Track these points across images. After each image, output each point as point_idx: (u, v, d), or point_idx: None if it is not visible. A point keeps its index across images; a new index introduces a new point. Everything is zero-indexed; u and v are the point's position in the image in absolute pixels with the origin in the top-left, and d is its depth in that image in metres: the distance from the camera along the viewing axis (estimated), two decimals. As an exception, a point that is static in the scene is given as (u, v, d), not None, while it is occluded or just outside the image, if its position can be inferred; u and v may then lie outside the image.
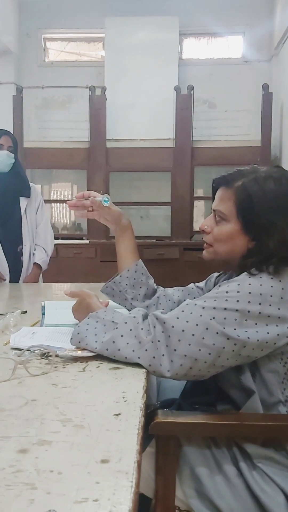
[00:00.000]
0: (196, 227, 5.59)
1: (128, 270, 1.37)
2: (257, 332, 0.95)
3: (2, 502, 0.50)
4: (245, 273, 1.01)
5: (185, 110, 5.34)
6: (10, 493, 0.51)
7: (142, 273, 1.39)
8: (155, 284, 1.42)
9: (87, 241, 5.25)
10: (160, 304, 1.37)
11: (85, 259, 5.13)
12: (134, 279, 1.38)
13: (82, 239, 5.41)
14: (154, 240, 5.26)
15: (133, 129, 5.44)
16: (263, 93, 5.26)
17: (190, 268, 4.81)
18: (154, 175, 5.52)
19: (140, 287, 1.38)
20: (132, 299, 1.36)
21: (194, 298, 1.38)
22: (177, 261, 5.03)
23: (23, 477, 0.55)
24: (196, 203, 5.59)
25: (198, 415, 0.99)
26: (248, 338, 0.94)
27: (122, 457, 0.59)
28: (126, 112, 5.44)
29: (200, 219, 5.76)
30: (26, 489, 0.52)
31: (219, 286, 1.03)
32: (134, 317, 1.01)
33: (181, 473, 1.01)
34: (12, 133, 2.38)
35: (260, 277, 0.99)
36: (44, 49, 5.97)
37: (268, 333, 0.95)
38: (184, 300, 1.39)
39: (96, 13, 5.60)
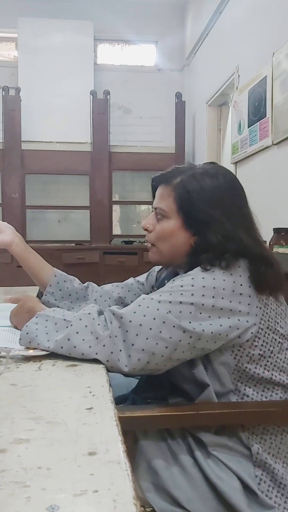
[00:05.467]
0: (116, 231, 5.62)
1: (51, 285, 1.33)
2: (210, 324, 0.97)
3: (-4, 503, 0.46)
4: (198, 267, 1.02)
5: (102, 115, 5.35)
6: (3, 493, 0.48)
7: (65, 281, 1.35)
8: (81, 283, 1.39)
9: (3, 246, 5.04)
10: (104, 301, 1.35)
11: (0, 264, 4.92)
12: (60, 290, 1.33)
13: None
14: (74, 244, 5.18)
15: (49, 131, 5.35)
16: (176, 101, 5.42)
17: (110, 271, 4.81)
18: (72, 178, 5.46)
19: (70, 295, 1.34)
20: (68, 310, 1.28)
21: (135, 294, 1.38)
22: (97, 265, 5.00)
23: (10, 476, 0.51)
24: (114, 207, 5.61)
25: (155, 408, 1.00)
26: (203, 330, 0.96)
27: (108, 448, 0.58)
28: (42, 114, 5.33)
29: (117, 223, 5.79)
30: (19, 488, 0.49)
31: (173, 280, 1.04)
32: (89, 313, 0.99)
33: (138, 467, 1.01)
34: None
35: (213, 271, 1.01)
36: None
37: (221, 325, 0.98)
38: (125, 297, 1.40)
39: (9, 12, 5.44)
